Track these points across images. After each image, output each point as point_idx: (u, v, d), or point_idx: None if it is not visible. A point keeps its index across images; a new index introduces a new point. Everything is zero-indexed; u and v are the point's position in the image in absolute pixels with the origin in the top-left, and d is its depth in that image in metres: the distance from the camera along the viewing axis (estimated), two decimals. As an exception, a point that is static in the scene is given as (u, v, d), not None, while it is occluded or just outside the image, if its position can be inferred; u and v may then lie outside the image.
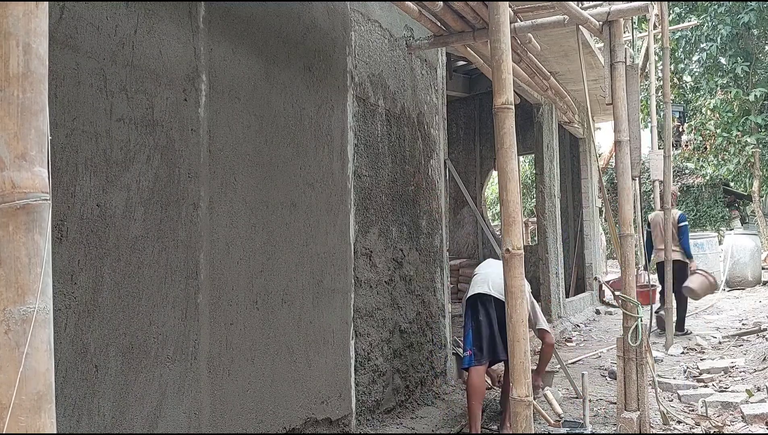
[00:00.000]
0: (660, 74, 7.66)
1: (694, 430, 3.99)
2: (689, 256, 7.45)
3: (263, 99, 3.05)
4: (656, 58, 8.54)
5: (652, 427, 3.89)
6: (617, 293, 3.93)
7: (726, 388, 4.94)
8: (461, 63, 8.46)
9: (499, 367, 4.24)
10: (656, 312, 7.31)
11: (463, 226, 10.41)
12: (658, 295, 7.87)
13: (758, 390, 4.60)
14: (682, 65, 16.78)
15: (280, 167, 3.14)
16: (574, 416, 4.13)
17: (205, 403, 2.62)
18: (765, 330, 7.01)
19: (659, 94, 7.93)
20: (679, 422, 4.12)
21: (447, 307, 5.05)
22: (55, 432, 0.91)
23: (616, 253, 4.00)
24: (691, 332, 7.48)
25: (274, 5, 3.15)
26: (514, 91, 2.66)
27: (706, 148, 17.32)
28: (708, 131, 16.83)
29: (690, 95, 17.61)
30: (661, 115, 7.81)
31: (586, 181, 10.59)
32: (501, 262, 3.16)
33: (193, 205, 2.61)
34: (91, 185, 2.18)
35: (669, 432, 3.99)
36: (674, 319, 7.16)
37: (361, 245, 3.86)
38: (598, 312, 9.87)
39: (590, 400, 4.25)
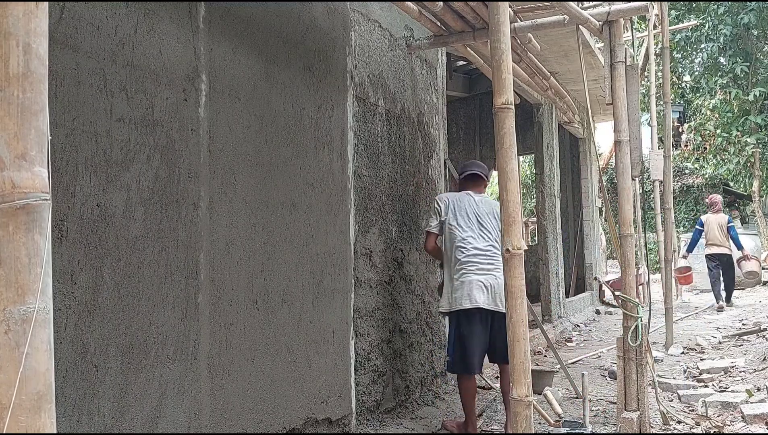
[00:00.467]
0: (660, 74, 7.66)
1: (694, 430, 3.99)
2: (740, 247, 10.09)
3: (263, 99, 3.05)
4: (656, 59, 8.53)
5: (652, 427, 3.89)
6: (617, 293, 3.93)
7: (726, 388, 4.94)
8: (461, 63, 8.46)
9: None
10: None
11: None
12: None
13: (758, 390, 4.60)
14: (681, 67, 16.79)
15: (280, 167, 3.14)
16: (574, 416, 4.13)
17: (205, 403, 2.62)
18: (765, 330, 7.01)
19: (659, 93, 7.93)
20: (679, 422, 4.12)
21: (447, 307, 5.05)
22: (55, 432, 0.91)
23: (616, 253, 4.00)
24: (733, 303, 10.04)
25: (274, 5, 3.15)
26: (514, 91, 2.66)
27: (705, 148, 17.33)
28: (708, 131, 16.83)
29: (690, 95, 17.62)
30: (662, 115, 7.82)
31: (586, 181, 10.58)
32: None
33: (193, 205, 2.60)
34: (91, 185, 2.18)
35: (669, 432, 3.99)
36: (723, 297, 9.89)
37: (361, 245, 3.86)
38: (598, 312, 9.87)
39: (590, 400, 4.25)
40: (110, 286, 2.23)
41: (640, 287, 8.41)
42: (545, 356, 6.37)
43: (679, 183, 18.60)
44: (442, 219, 3.91)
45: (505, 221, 2.47)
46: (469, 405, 3.78)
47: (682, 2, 15.77)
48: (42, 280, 0.91)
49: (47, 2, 0.95)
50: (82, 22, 2.17)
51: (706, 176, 18.01)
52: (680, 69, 17.09)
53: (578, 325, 8.47)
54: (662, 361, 6.11)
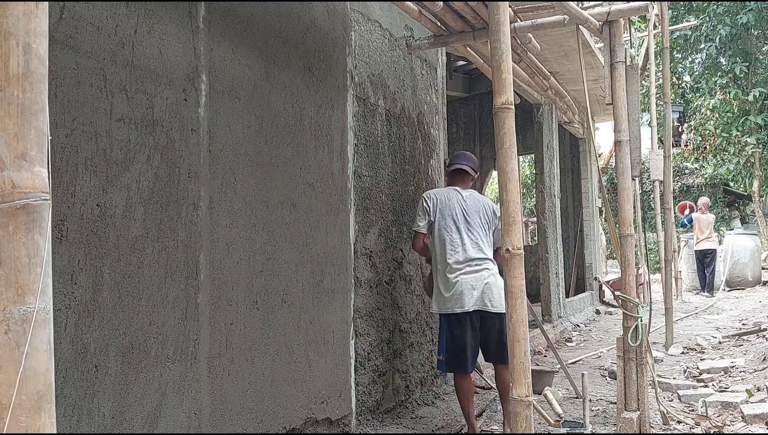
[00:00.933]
0: (660, 74, 7.66)
1: (694, 430, 3.99)
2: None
3: (263, 99, 3.05)
4: (656, 59, 8.53)
5: (652, 427, 3.88)
6: (617, 293, 3.93)
7: (726, 388, 4.94)
8: (461, 63, 8.46)
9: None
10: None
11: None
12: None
13: (758, 390, 4.60)
14: (681, 67, 16.79)
15: (280, 167, 3.14)
16: (574, 416, 4.13)
17: (205, 403, 2.62)
18: (765, 330, 7.01)
19: (659, 94, 7.93)
20: (679, 422, 4.12)
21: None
22: (55, 432, 0.91)
23: (616, 253, 4.00)
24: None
25: (274, 5, 3.15)
26: (514, 91, 2.66)
27: (705, 148, 17.33)
28: (708, 131, 16.83)
29: (690, 95, 17.62)
30: (661, 115, 7.82)
31: (586, 181, 10.58)
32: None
33: (193, 205, 2.60)
34: (91, 185, 2.18)
35: (669, 432, 3.99)
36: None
37: (361, 245, 3.86)
38: (598, 312, 9.87)
39: (590, 400, 4.25)
40: (110, 286, 2.23)
41: (640, 287, 8.43)
42: (545, 356, 6.37)
43: (679, 183, 18.61)
44: (431, 219, 3.89)
45: (505, 221, 2.47)
46: (465, 404, 3.78)
47: (681, 2, 15.76)
48: (42, 280, 0.91)
49: (47, 2, 0.95)
50: (82, 22, 2.17)
51: (706, 176, 18.01)
52: (680, 69, 17.08)
53: (578, 325, 8.47)
54: (662, 361, 6.11)
